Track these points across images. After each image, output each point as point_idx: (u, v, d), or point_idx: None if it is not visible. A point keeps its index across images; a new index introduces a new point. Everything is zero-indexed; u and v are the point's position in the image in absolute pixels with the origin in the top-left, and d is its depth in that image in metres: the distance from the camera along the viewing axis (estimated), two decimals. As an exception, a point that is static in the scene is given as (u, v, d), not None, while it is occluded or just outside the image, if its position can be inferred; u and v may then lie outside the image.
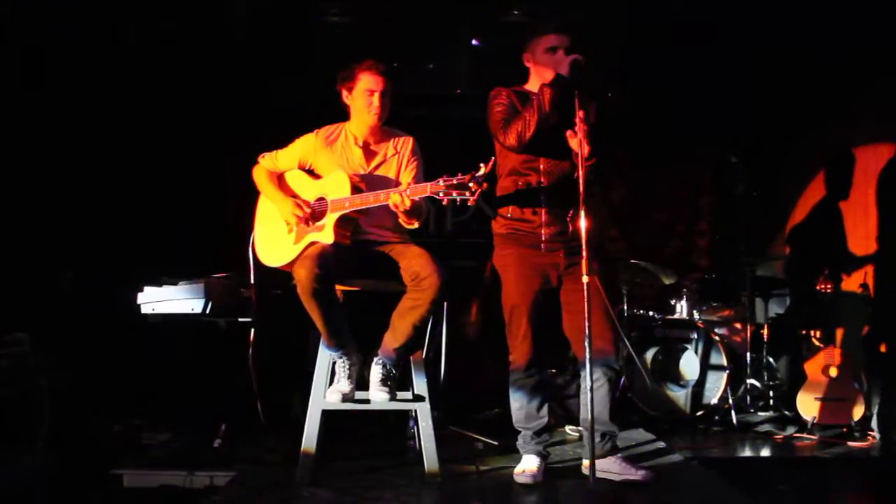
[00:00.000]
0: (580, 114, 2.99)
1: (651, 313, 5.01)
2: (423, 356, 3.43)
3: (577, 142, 2.98)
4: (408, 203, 3.07)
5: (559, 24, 3.23)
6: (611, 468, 3.23)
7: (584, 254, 2.89)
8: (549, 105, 3.10)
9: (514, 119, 3.18)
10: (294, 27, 5.36)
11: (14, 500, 3.24)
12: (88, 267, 4.41)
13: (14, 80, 4.16)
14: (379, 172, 3.41)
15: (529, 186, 3.25)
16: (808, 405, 4.40)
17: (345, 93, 3.42)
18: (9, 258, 4.07)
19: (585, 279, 2.87)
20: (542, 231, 3.25)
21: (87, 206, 4.44)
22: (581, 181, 2.92)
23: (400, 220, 3.26)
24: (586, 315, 2.85)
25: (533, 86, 3.33)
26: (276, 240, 3.38)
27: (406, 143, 3.48)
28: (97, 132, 4.54)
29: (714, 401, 4.69)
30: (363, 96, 3.35)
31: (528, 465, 3.27)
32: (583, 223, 2.90)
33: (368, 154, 3.44)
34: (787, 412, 4.73)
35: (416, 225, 3.28)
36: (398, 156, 3.45)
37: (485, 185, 2.96)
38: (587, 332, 2.85)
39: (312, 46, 5.38)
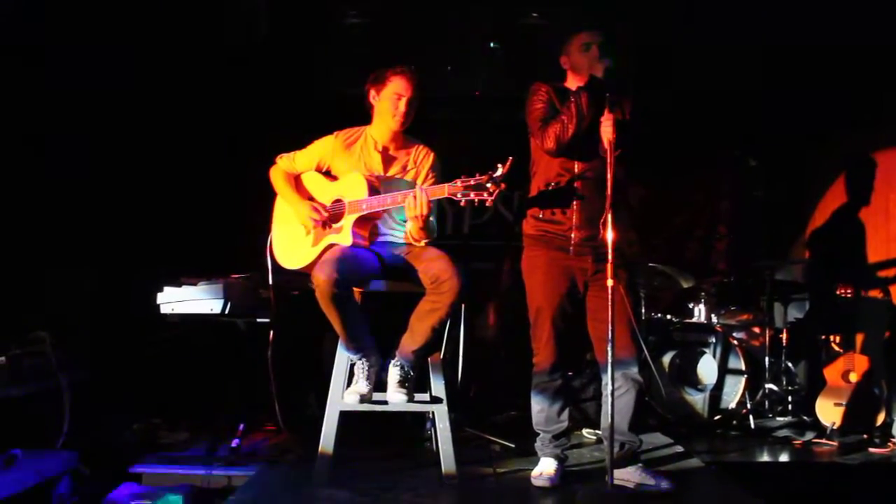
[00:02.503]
0: (609, 116, 3.01)
1: (669, 317, 4.98)
2: (441, 358, 3.43)
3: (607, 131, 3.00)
4: (424, 201, 3.07)
5: (590, 21, 3.25)
6: (631, 478, 3.21)
7: (610, 257, 2.89)
8: (587, 109, 3.10)
9: (552, 122, 3.17)
10: (313, 28, 5.38)
11: (34, 497, 3.27)
12: (109, 267, 4.44)
13: (32, 80, 4.20)
14: (396, 178, 3.41)
15: (563, 188, 3.23)
16: (827, 411, 4.37)
17: (372, 93, 3.41)
18: (31, 258, 4.11)
19: (610, 283, 2.87)
20: (573, 234, 3.23)
21: (107, 207, 4.47)
22: (609, 186, 2.92)
23: (409, 234, 3.27)
24: (610, 322, 2.85)
25: (571, 84, 3.33)
26: (293, 242, 3.40)
27: (427, 157, 3.47)
28: (117, 132, 4.57)
29: (732, 405, 4.66)
30: (391, 99, 3.34)
31: (545, 468, 3.27)
32: (609, 230, 2.90)
33: (387, 159, 3.44)
34: (805, 418, 4.69)
35: (422, 243, 3.28)
36: (416, 168, 3.44)
37: (503, 185, 2.96)
38: (610, 338, 2.85)
39: (332, 48, 5.39)
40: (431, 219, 3.26)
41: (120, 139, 4.59)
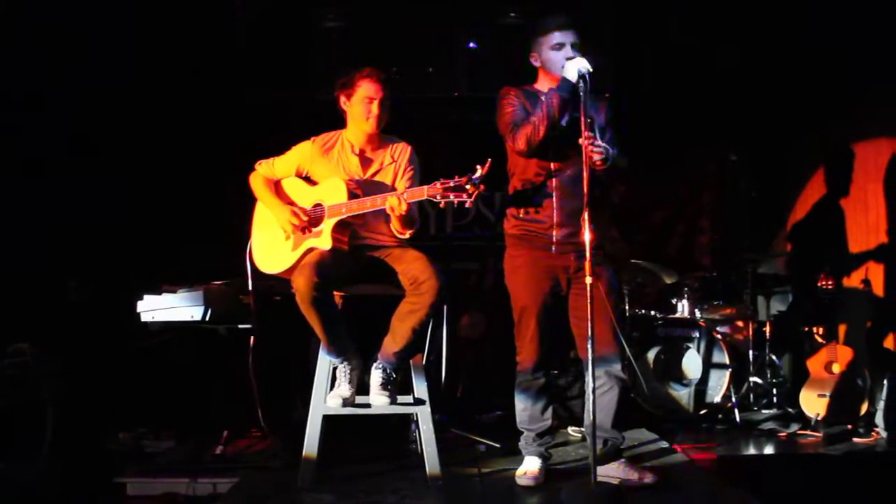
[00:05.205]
0: (585, 131, 2.98)
1: (653, 313, 5.00)
2: (424, 360, 3.43)
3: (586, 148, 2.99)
4: (404, 207, 3.07)
5: (563, 20, 3.24)
6: (614, 473, 3.23)
7: (588, 255, 2.89)
8: (558, 110, 3.10)
9: (523, 123, 3.17)
10: (292, 32, 5.37)
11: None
12: (90, 276, 4.42)
13: (19, 93, 4.18)
14: (375, 179, 3.42)
15: (542, 187, 3.24)
16: (811, 402, 4.39)
17: (343, 98, 3.41)
18: (13, 268, 4.08)
19: (588, 280, 2.88)
20: (554, 232, 3.23)
21: (87, 216, 4.45)
22: (585, 184, 2.93)
23: (393, 229, 3.26)
24: (589, 319, 2.86)
25: (542, 84, 3.33)
26: (273, 246, 3.39)
27: (403, 151, 3.48)
28: (97, 141, 4.55)
29: (717, 399, 4.68)
30: (362, 103, 3.35)
31: (529, 466, 3.28)
32: (586, 228, 2.91)
33: (365, 162, 3.44)
34: (790, 409, 4.72)
35: (407, 235, 3.28)
36: (395, 164, 3.45)
37: (482, 186, 2.96)
38: (590, 335, 2.86)
39: (310, 52, 5.38)
40: (410, 213, 3.24)
41: (99, 146, 4.56)
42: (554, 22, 3.24)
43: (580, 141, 2.97)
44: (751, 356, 4.89)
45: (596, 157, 3.04)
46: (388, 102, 3.37)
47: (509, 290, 3.37)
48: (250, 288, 3.53)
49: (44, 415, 3.65)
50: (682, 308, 4.97)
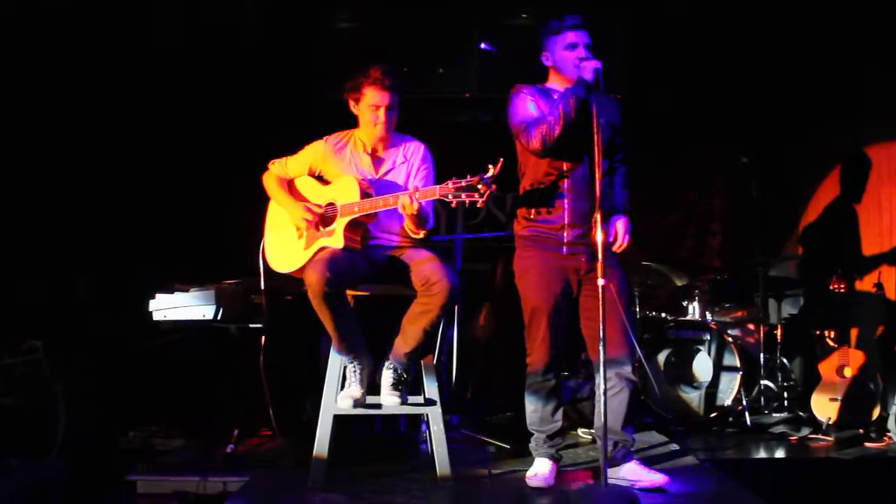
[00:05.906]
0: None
1: (663, 315, 4.98)
2: (435, 360, 3.43)
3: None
4: (416, 206, 3.07)
5: (576, 21, 3.23)
6: (625, 476, 3.22)
7: (600, 256, 2.89)
8: (575, 111, 3.08)
9: (538, 122, 3.15)
10: (303, 32, 5.38)
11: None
12: (102, 274, 4.44)
13: (27, 87, 4.20)
14: (388, 179, 3.42)
15: (553, 187, 3.23)
16: (822, 406, 4.36)
17: (352, 103, 3.41)
18: (24, 266, 4.10)
19: (601, 282, 2.87)
20: (565, 233, 3.23)
21: (100, 214, 4.47)
22: (598, 186, 2.93)
23: (406, 228, 3.26)
24: (601, 320, 2.86)
25: (553, 84, 3.32)
26: (286, 245, 3.40)
27: (417, 151, 3.47)
28: (110, 140, 4.57)
29: (728, 402, 4.66)
30: (368, 110, 3.34)
31: (540, 468, 3.27)
32: (598, 229, 2.91)
33: (377, 161, 3.44)
34: (801, 413, 4.69)
35: (421, 234, 3.28)
36: (407, 163, 3.44)
37: (493, 186, 2.95)
38: (601, 337, 2.85)
39: (322, 51, 5.39)
40: (422, 212, 3.23)
41: (112, 145, 4.58)
42: (568, 22, 3.24)
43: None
44: (762, 359, 4.88)
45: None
46: (396, 108, 3.35)
47: (520, 292, 3.36)
48: (262, 287, 3.54)
49: (56, 412, 3.66)
50: (693, 310, 4.95)
